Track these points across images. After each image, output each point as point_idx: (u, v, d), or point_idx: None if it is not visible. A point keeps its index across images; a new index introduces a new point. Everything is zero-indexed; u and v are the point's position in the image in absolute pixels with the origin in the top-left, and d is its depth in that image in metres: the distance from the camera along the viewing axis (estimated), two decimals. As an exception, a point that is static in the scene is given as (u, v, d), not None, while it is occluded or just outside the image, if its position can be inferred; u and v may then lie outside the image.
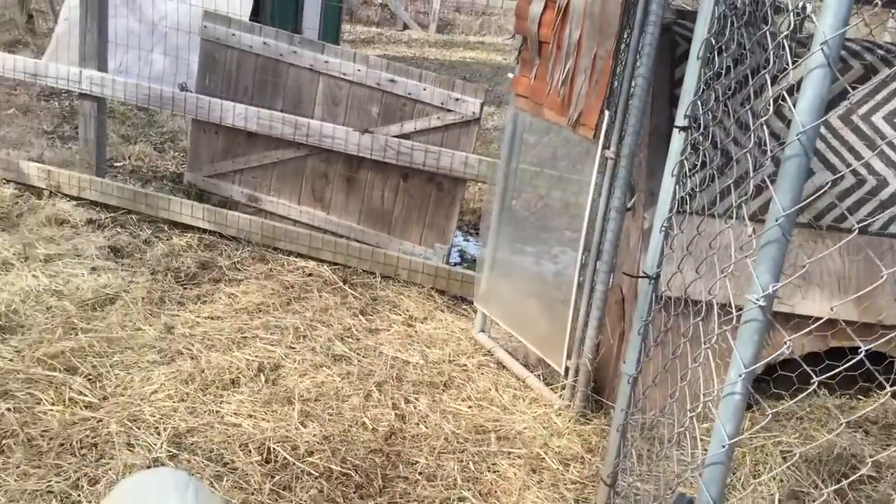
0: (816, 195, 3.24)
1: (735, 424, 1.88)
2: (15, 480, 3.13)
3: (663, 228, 2.66)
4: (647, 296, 2.76)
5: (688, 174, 2.57)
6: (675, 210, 2.67)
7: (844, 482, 3.32)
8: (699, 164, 2.55)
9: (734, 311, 1.89)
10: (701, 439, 2.67)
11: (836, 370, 1.80)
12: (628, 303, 4.07)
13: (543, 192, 4.60)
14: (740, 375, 1.83)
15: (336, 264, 5.55)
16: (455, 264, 5.85)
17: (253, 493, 3.22)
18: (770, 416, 1.86)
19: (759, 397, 2.12)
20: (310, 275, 5.41)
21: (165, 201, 5.80)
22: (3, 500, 3.00)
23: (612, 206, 3.76)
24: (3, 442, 3.35)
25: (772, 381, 2.74)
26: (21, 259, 4.96)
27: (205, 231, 5.77)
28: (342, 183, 5.72)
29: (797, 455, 3.54)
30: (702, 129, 2.48)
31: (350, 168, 5.66)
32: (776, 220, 1.70)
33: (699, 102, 2.51)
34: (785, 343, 1.80)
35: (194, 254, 5.44)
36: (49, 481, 3.15)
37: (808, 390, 1.89)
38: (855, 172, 3.86)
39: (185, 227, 5.79)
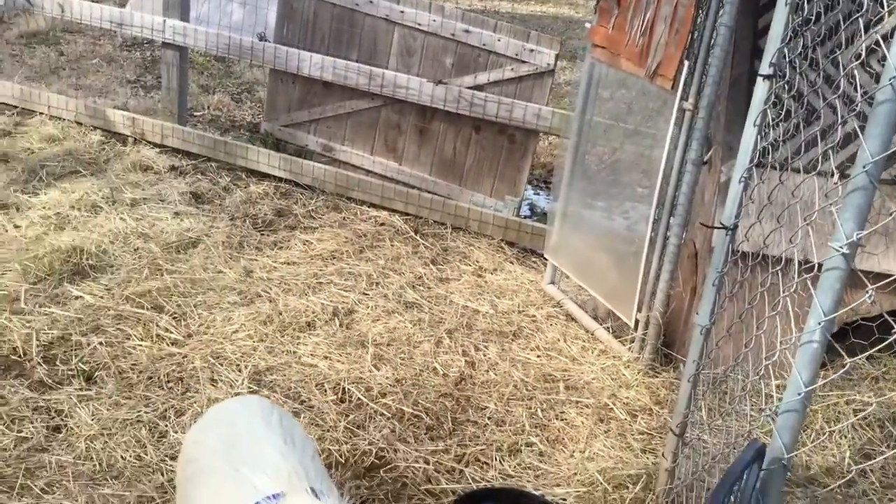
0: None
1: (812, 372, 1.88)
2: (107, 410, 3.32)
3: (742, 179, 2.63)
4: (723, 247, 2.74)
5: (770, 125, 2.53)
6: (755, 161, 2.64)
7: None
8: (783, 114, 2.51)
9: (816, 260, 1.88)
10: (774, 396, 2.67)
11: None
12: (701, 257, 4.04)
13: (617, 146, 4.57)
14: (819, 323, 1.83)
15: (408, 214, 5.62)
16: (525, 217, 5.87)
17: (329, 430, 3.35)
18: (848, 364, 1.86)
19: (838, 346, 2.12)
20: (382, 224, 5.50)
21: (243, 150, 5.94)
22: (96, 427, 3.19)
23: (689, 158, 3.72)
24: (96, 374, 3.55)
25: (851, 331, 2.71)
26: (109, 203, 5.17)
27: (281, 179, 5.91)
28: (415, 134, 5.77)
29: (872, 406, 3.50)
30: (787, 79, 2.44)
31: (423, 119, 5.70)
32: (864, 167, 1.68)
33: (786, 50, 2.46)
34: (867, 292, 1.79)
35: (271, 201, 5.59)
36: (139, 411, 3.33)
37: (888, 341, 1.87)
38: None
39: (262, 175, 5.94)
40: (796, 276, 2.01)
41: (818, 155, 1.93)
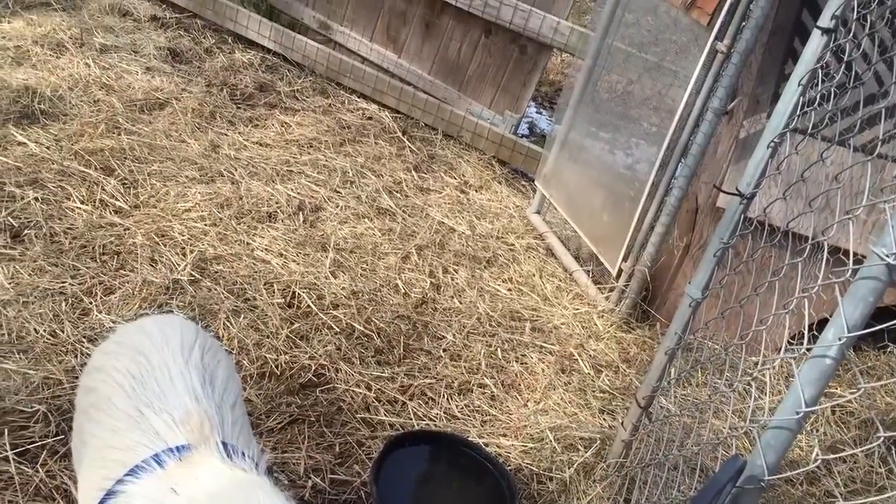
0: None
1: (817, 390, 1.60)
2: (29, 275, 3.00)
3: (772, 144, 2.29)
4: (733, 216, 2.42)
5: (819, 87, 2.17)
6: (790, 126, 2.29)
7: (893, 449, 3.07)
8: (835, 79, 2.15)
9: (851, 260, 1.57)
10: (766, 408, 2.40)
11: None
12: (702, 214, 3.73)
13: (634, 78, 4.17)
14: (840, 339, 1.53)
15: (398, 112, 5.23)
16: (522, 136, 5.49)
17: (269, 336, 3.06)
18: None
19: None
20: (369, 118, 5.11)
21: (233, 11, 5.46)
22: (13, 292, 2.88)
23: (711, 106, 3.35)
24: (25, 232, 3.22)
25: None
26: (76, 45, 4.73)
27: (269, 51, 5.46)
28: (420, 26, 5.30)
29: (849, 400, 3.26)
30: (851, 35, 2.07)
31: (431, 12, 5.22)
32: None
33: (855, 2, 2.08)
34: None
35: (254, 73, 5.16)
36: (64, 282, 3.02)
37: (876, 328, 1.57)
38: None
39: (250, 44, 5.48)
40: (821, 274, 1.70)
41: (880, 137, 1.58)
